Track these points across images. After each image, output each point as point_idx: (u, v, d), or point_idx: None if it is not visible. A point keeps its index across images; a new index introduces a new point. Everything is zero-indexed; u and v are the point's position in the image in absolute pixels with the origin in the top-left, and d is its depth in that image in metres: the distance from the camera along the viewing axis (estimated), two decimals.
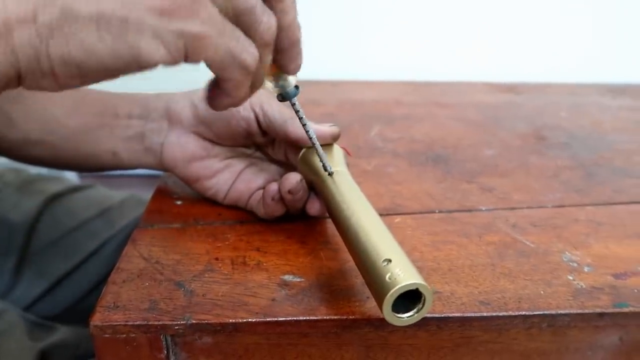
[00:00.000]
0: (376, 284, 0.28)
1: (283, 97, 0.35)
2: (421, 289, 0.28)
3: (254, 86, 0.31)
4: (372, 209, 0.33)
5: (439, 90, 0.84)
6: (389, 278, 0.27)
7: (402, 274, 0.27)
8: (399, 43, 0.93)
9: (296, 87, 0.35)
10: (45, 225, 0.59)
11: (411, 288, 0.27)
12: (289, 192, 0.38)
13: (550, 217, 0.44)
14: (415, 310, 0.29)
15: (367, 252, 0.30)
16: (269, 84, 0.34)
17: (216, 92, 0.30)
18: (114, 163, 0.45)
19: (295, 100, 0.35)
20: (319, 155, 0.37)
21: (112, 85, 0.47)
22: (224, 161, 0.43)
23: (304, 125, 0.36)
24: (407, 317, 0.29)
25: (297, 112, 0.36)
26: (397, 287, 0.27)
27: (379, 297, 0.28)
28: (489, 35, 0.93)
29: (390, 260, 0.28)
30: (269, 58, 0.30)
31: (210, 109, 0.32)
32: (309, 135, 0.37)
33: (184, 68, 0.93)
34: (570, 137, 0.64)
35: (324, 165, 0.37)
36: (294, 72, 0.33)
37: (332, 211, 0.35)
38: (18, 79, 0.26)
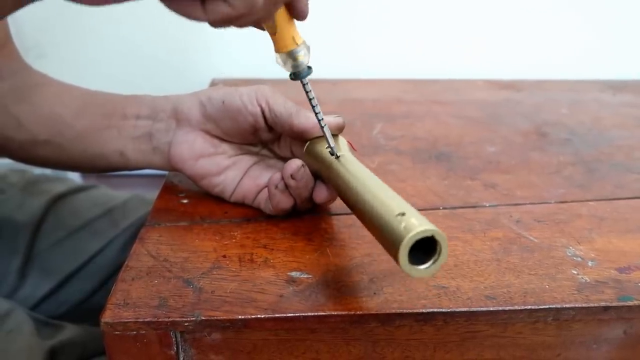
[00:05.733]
0: (391, 235, 0.28)
1: (295, 75, 0.35)
2: (436, 237, 0.27)
3: (258, 20, 0.30)
4: (380, 180, 0.34)
5: (439, 88, 0.85)
6: (404, 227, 0.27)
7: (417, 222, 0.28)
8: (398, 41, 0.93)
9: (309, 67, 0.35)
10: (50, 226, 0.59)
11: (427, 235, 0.27)
12: (292, 177, 0.38)
13: (553, 212, 0.45)
14: (431, 261, 0.28)
15: (380, 212, 0.30)
16: (283, 62, 0.35)
17: None
18: (121, 163, 0.45)
19: (307, 80, 0.35)
20: (325, 134, 0.37)
21: (119, 88, 0.48)
22: (231, 158, 0.43)
23: (313, 106, 0.37)
24: (424, 268, 0.28)
25: (307, 92, 0.36)
26: (413, 232, 0.27)
27: (395, 247, 0.28)
28: (488, 32, 0.93)
29: (404, 214, 0.28)
30: None
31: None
32: (317, 115, 0.37)
33: (186, 68, 0.93)
34: (572, 134, 0.65)
35: (330, 149, 0.37)
36: (305, 16, 0.33)
37: (342, 189, 0.35)
38: None
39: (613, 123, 0.69)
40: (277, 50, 0.35)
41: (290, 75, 0.35)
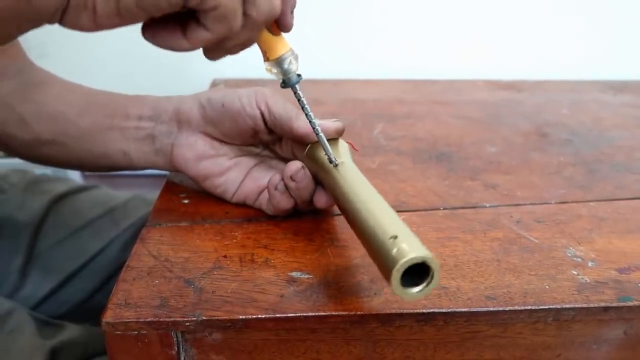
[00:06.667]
0: (384, 260, 0.28)
1: (285, 83, 0.36)
2: (429, 262, 0.28)
3: (245, 42, 0.31)
4: (378, 193, 0.34)
5: (439, 88, 0.85)
6: (396, 253, 0.28)
7: (409, 248, 0.28)
8: (399, 42, 0.93)
9: (298, 75, 0.36)
10: (51, 225, 0.60)
11: (418, 261, 0.27)
12: (291, 178, 0.38)
13: (554, 213, 0.45)
14: (424, 284, 0.28)
15: (374, 231, 0.30)
16: (271, 70, 0.35)
17: (189, 27, 0.30)
18: (124, 163, 0.45)
19: (297, 87, 0.36)
20: (321, 143, 0.37)
21: (121, 88, 0.48)
22: (233, 159, 0.43)
23: (306, 114, 0.37)
24: (416, 292, 0.28)
25: (299, 99, 0.37)
26: (404, 259, 0.27)
27: (387, 272, 0.28)
28: (489, 33, 0.93)
29: (396, 237, 0.28)
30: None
31: (154, 42, 0.31)
32: (311, 123, 0.37)
33: (187, 67, 0.93)
34: (572, 134, 0.65)
35: (328, 157, 0.37)
36: (290, 28, 0.34)
37: (339, 199, 0.35)
38: (62, 12, 0.26)
39: (614, 123, 0.69)
40: (266, 59, 0.35)
41: (281, 83, 0.36)
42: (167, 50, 0.31)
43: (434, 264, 0.28)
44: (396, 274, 0.27)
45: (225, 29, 0.29)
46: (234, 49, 0.32)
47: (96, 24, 0.27)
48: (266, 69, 0.36)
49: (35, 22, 0.27)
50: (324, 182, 0.39)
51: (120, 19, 0.27)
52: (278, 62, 0.35)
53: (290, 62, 0.35)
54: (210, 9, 0.28)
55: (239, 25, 0.29)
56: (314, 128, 0.37)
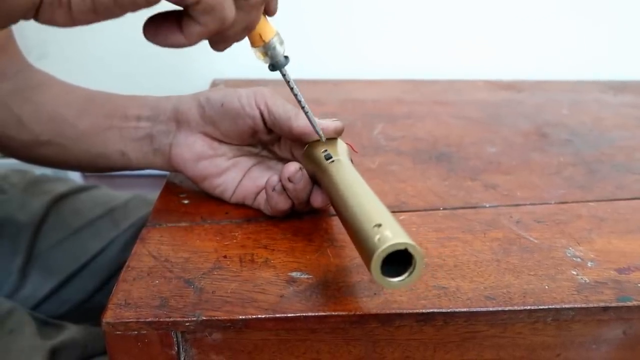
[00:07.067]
0: (366, 247, 0.28)
1: (274, 66, 0.36)
2: (410, 250, 0.27)
3: (246, 27, 0.32)
4: (369, 188, 0.34)
5: (439, 89, 0.85)
6: (378, 240, 0.27)
7: (392, 235, 0.27)
8: (399, 42, 0.93)
9: (285, 57, 0.36)
10: (51, 226, 0.60)
11: (399, 248, 0.27)
12: (289, 179, 0.38)
13: (554, 213, 0.45)
14: (406, 274, 0.28)
15: (359, 220, 0.30)
16: (261, 55, 0.36)
17: (184, 22, 0.30)
18: (122, 163, 0.45)
19: (285, 70, 0.36)
20: (311, 122, 0.38)
21: (121, 88, 0.48)
22: (231, 160, 0.43)
23: (295, 95, 0.38)
24: (398, 281, 0.28)
25: (288, 82, 0.37)
26: (386, 245, 0.27)
27: (368, 258, 0.28)
28: (489, 33, 0.93)
29: (380, 225, 0.28)
30: None
31: (153, 40, 0.31)
32: (300, 104, 0.38)
33: (187, 68, 0.93)
34: (572, 134, 0.65)
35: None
36: (274, 12, 0.35)
37: (331, 194, 0.35)
38: (36, 9, 0.26)
39: (614, 124, 0.69)
40: (253, 44, 0.36)
41: (269, 66, 0.36)
42: (169, 48, 0.31)
43: (417, 252, 0.28)
44: (377, 260, 0.27)
45: (217, 21, 0.29)
46: (237, 37, 0.32)
47: (72, 20, 0.26)
48: (256, 55, 0.36)
49: (9, 18, 0.26)
50: (321, 182, 0.39)
51: (96, 15, 0.26)
52: (268, 47, 0.35)
53: (279, 45, 0.36)
54: (193, 3, 0.28)
55: (231, 14, 0.29)
56: (302, 108, 0.38)
